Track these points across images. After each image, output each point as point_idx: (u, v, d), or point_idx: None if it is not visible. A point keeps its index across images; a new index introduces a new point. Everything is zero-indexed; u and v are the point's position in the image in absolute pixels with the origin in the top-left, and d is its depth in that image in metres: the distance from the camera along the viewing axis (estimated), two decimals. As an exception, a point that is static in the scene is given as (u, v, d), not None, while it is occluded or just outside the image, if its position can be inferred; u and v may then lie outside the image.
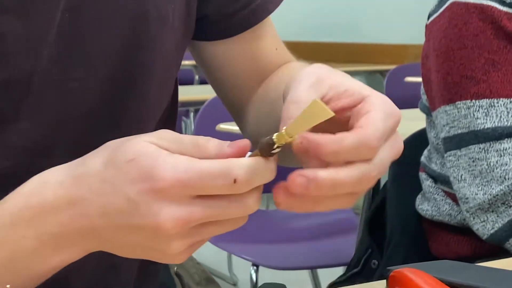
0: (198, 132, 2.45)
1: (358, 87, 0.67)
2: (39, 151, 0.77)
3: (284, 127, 0.62)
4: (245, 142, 0.62)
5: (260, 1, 0.95)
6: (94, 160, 0.63)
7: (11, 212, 0.65)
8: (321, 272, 2.63)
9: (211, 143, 0.62)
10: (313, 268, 2.61)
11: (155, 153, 0.61)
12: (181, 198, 0.60)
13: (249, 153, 0.63)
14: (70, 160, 0.69)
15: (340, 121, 0.66)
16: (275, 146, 0.62)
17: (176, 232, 0.60)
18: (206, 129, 2.31)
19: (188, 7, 0.89)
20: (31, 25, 0.74)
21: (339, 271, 1.86)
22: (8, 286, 0.53)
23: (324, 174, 0.61)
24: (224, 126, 2.23)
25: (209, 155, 0.61)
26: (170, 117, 0.94)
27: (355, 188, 0.63)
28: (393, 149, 0.65)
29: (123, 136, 0.82)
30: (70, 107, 0.78)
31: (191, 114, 4.07)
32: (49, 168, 0.74)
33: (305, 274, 2.75)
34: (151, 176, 0.60)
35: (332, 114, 0.60)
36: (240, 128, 1.02)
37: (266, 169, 0.62)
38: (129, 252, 0.65)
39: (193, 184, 0.60)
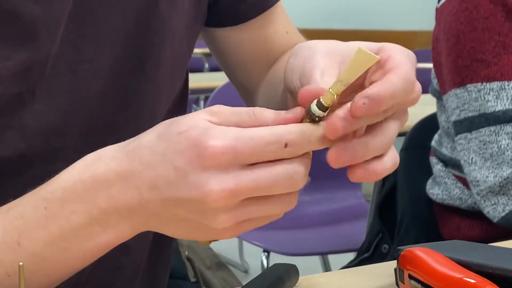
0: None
1: (363, 45, 0.68)
2: (53, 132, 0.78)
3: (330, 87, 0.62)
4: (301, 110, 0.63)
5: None
6: (147, 135, 0.64)
7: (63, 186, 0.65)
8: (332, 257, 2.63)
9: (267, 112, 0.63)
10: (323, 254, 2.61)
11: (205, 124, 0.61)
12: (230, 167, 0.60)
13: None
14: (83, 142, 0.69)
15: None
16: (324, 107, 0.62)
17: (223, 203, 0.60)
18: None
19: None
20: (48, 8, 0.74)
21: (349, 257, 1.86)
22: (21, 263, 0.52)
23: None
24: (234, 113, 2.22)
25: (266, 122, 0.62)
26: (181, 103, 0.94)
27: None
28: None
29: (135, 118, 0.82)
30: (82, 88, 0.78)
31: (201, 102, 4.08)
32: (63, 149, 0.74)
33: (315, 259, 2.75)
34: (200, 144, 0.59)
35: (378, 57, 0.61)
36: None
37: (315, 136, 0.62)
38: (176, 228, 0.64)
39: (245, 150, 0.60)
